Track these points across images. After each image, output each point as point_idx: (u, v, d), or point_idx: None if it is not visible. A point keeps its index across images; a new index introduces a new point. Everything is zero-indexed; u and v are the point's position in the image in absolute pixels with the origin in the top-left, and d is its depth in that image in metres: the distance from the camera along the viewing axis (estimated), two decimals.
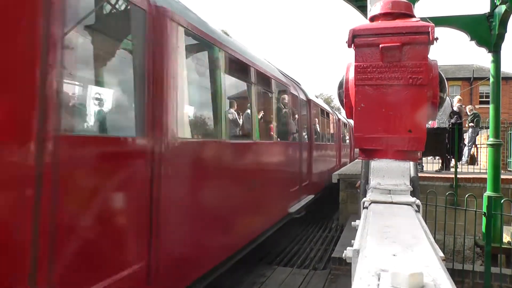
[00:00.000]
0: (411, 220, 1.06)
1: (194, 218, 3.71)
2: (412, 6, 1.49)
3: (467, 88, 27.79)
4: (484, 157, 9.39)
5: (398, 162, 1.39)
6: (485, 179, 6.77)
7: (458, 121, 8.70)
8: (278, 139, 6.85)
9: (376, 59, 1.32)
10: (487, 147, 6.93)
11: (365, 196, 1.36)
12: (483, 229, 5.79)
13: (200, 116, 4.50)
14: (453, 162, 8.04)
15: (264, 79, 6.16)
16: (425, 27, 1.28)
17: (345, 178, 8.85)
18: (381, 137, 1.35)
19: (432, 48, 1.31)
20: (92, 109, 2.93)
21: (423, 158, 9.13)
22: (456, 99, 9.86)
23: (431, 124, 8.38)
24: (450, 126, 8.21)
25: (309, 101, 9.44)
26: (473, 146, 11.64)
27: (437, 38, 1.25)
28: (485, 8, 6.41)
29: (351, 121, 1.51)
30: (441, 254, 0.84)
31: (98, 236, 2.50)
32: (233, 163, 4.81)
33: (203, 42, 4.08)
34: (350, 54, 1.42)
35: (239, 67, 5.12)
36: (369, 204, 1.26)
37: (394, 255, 0.72)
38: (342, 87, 1.50)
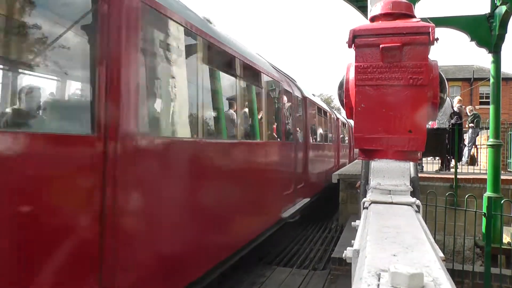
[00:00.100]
0: (411, 220, 1.06)
1: (153, 231, 3.14)
2: (413, 6, 1.49)
3: (467, 88, 27.78)
4: (484, 157, 9.39)
5: (398, 162, 1.39)
6: (485, 179, 6.77)
7: (458, 122, 8.70)
8: (269, 139, 6.44)
9: (377, 59, 1.33)
10: (487, 148, 6.93)
11: (365, 197, 1.36)
12: (483, 230, 5.78)
13: (172, 111, 3.72)
14: (453, 162, 8.04)
15: (252, 73, 5.65)
16: (426, 28, 1.28)
17: (345, 179, 8.84)
18: (381, 137, 1.35)
19: (433, 48, 1.32)
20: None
21: (423, 159, 9.14)
22: (456, 99, 9.89)
23: (431, 124, 8.37)
24: (450, 126, 8.21)
25: (304, 98, 9.01)
26: (473, 146, 11.65)
27: (437, 39, 1.25)
28: (485, 9, 6.43)
29: (351, 121, 1.51)
30: (441, 255, 0.84)
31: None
32: (211, 165, 4.20)
33: (171, 24, 3.49)
34: (350, 54, 1.42)
35: (221, 56, 4.55)
36: (369, 205, 1.26)
37: (394, 255, 0.72)
38: (343, 88, 1.51)
